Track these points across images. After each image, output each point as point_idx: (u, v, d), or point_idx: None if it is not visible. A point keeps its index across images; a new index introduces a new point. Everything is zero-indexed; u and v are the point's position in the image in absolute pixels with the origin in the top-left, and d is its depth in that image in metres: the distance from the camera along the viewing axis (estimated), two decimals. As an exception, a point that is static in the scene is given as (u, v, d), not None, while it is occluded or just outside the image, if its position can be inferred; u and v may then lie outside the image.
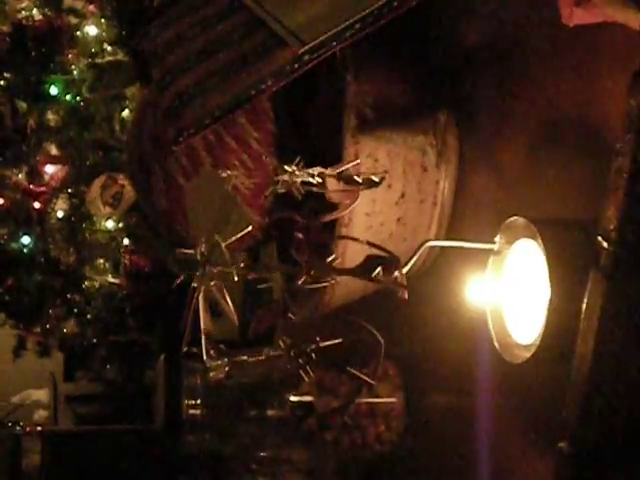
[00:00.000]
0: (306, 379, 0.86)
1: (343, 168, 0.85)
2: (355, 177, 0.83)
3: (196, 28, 1.04)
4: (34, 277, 2.87)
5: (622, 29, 0.67)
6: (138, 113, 1.15)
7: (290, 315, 0.87)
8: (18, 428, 2.50)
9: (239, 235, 0.79)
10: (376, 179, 0.82)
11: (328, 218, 0.88)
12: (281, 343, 0.88)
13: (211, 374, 1.06)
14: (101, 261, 2.76)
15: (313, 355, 0.85)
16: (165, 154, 1.07)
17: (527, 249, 0.80)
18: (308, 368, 0.85)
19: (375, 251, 1.01)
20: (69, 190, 2.73)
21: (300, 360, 0.85)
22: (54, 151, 2.74)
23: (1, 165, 2.75)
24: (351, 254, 0.97)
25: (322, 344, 0.86)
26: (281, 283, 0.94)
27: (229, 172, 0.83)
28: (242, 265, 0.86)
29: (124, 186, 2.61)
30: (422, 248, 0.88)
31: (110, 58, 2.59)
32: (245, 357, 0.97)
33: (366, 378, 0.85)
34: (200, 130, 0.94)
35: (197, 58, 1.00)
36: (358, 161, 0.83)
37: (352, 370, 0.89)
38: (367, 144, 0.97)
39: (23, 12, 2.68)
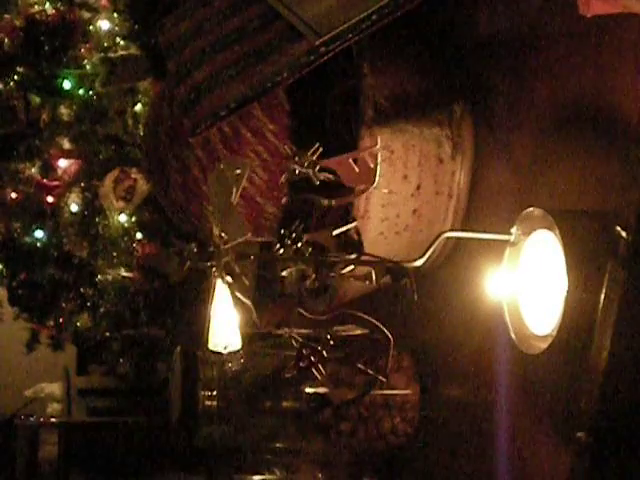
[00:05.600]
0: (318, 377, 0.86)
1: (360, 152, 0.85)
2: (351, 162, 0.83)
3: (212, 20, 1.05)
4: (47, 271, 2.88)
5: (640, 19, 0.67)
6: (154, 106, 1.15)
7: (302, 311, 0.87)
8: (32, 419, 2.52)
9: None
10: (371, 164, 0.82)
11: (343, 201, 0.89)
12: (293, 342, 0.88)
13: (228, 365, 1.07)
14: (114, 255, 2.76)
15: (324, 353, 0.86)
16: (181, 146, 1.07)
17: (544, 240, 0.80)
18: (320, 366, 0.86)
19: (390, 247, 1.02)
20: (82, 184, 2.74)
21: (312, 358, 0.86)
22: (67, 145, 2.75)
23: (14, 159, 2.76)
24: (367, 245, 0.98)
25: (333, 342, 0.87)
26: (294, 276, 0.94)
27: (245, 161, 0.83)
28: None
29: (137, 180, 2.62)
30: (438, 240, 0.88)
31: (123, 52, 2.60)
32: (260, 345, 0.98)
33: (375, 374, 0.85)
34: (216, 122, 0.94)
35: (213, 50, 1.00)
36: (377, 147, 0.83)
37: (362, 366, 0.89)
38: (382, 136, 0.97)
39: (36, 6, 2.69)
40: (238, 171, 0.77)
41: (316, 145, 0.82)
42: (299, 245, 0.83)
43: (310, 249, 0.84)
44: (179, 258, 0.79)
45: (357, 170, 0.85)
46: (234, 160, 0.81)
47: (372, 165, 0.84)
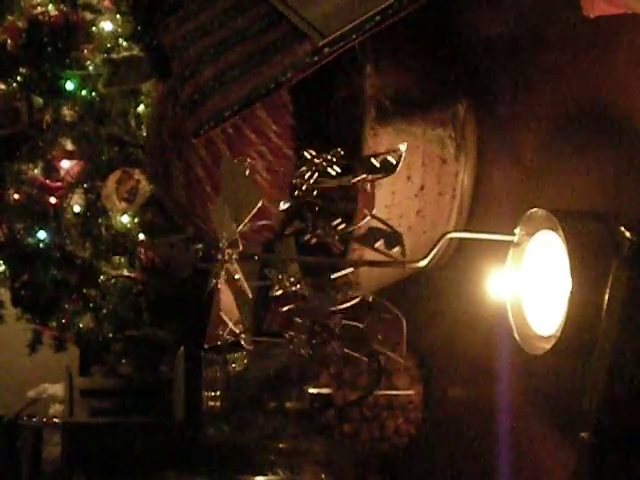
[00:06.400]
0: (336, 352, 0.85)
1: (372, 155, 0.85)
2: (373, 160, 0.83)
3: (216, 21, 1.05)
4: (50, 272, 2.88)
5: (644, 20, 0.67)
6: (158, 106, 1.15)
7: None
8: (34, 420, 2.52)
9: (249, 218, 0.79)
10: (393, 161, 0.82)
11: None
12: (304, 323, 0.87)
13: (231, 366, 1.07)
14: (116, 256, 2.76)
15: (337, 331, 0.84)
16: (185, 147, 1.07)
17: (547, 241, 0.80)
18: (333, 345, 0.84)
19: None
20: (85, 185, 2.74)
21: (324, 335, 0.85)
22: (70, 146, 2.75)
23: (17, 160, 2.76)
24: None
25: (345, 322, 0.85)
26: (298, 276, 0.94)
27: (248, 161, 0.83)
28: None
29: (139, 181, 2.62)
30: (442, 240, 0.88)
31: (125, 53, 2.60)
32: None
33: (395, 356, 0.84)
34: (220, 123, 0.94)
35: (217, 51, 1.00)
36: (402, 148, 0.83)
37: (380, 348, 0.87)
38: (386, 136, 0.97)
39: (39, 8, 2.69)
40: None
41: (337, 149, 0.82)
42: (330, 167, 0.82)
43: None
44: (185, 245, 0.79)
45: (378, 165, 0.85)
46: (241, 165, 0.81)
47: (394, 161, 0.84)
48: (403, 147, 0.83)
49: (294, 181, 0.84)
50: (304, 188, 0.83)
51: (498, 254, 0.86)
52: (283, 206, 0.87)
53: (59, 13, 2.68)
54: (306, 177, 0.83)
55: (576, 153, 0.84)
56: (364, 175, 0.84)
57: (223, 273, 0.79)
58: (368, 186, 0.87)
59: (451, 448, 1.08)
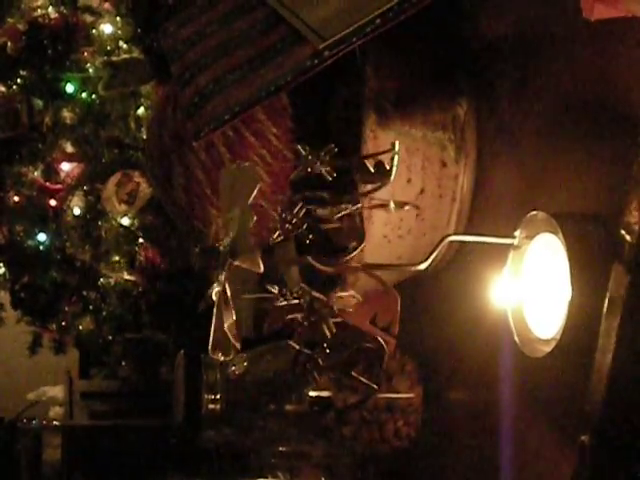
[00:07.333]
0: (313, 384, 0.87)
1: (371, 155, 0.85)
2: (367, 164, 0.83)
3: (215, 24, 1.05)
4: (50, 274, 2.88)
5: (644, 23, 0.67)
6: (158, 109, 1.15)
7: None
8: (34, 422, 2.53)
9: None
10: (387, 165, 0.82)
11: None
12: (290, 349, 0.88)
13: (231, 369, 1.07)
14: (117, 258, 2.77)
15: (320, 361, 0.86)
16: (185, 150, 1.07)
17: (548, 243, 0.80)
18: (315, 374, 0.86)
19: (394, 251, 1.02)
20: (85, 187, 2.74)
21: (307, 365, 0.86)
22: (70, 149, 2.76)
23: (17, 163, 2.76)
24: (370, 248, 0.98)
25: (329, 349, 0.86)
26: (297, 279, 0.94)
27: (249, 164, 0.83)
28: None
29: (139, 183, 2.62)
30: (442, 243, 0.88)
31: (125, 56, 2.60)
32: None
33: (369, 383, 0.85)
34: (220, 126, 0.94)
35: (216, 54, 1.00)
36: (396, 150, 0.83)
37: (355, 374, 0.89)
38: (386, 139, 0.97)
39: (39, 10, 2.70)
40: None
41: (331, 145, 0.82)
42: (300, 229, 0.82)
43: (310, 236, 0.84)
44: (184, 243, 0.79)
45: (372, 171, 0.85)
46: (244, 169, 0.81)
47: (387, 166, 0.84)
48: (397, 146, 0.83)
49: (282, 215, 0.84)
50: (294, 222, 0.84)
51: (498, 257, 0.86)
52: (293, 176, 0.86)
53: (59, 15, 2.69)
54: (295, 211, 0.83)
55: (577, 155, 0.83)
56: (358, 205, 0.85)
57: (222, 278, 0.79)
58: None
59: (451, 451, 1.08)
